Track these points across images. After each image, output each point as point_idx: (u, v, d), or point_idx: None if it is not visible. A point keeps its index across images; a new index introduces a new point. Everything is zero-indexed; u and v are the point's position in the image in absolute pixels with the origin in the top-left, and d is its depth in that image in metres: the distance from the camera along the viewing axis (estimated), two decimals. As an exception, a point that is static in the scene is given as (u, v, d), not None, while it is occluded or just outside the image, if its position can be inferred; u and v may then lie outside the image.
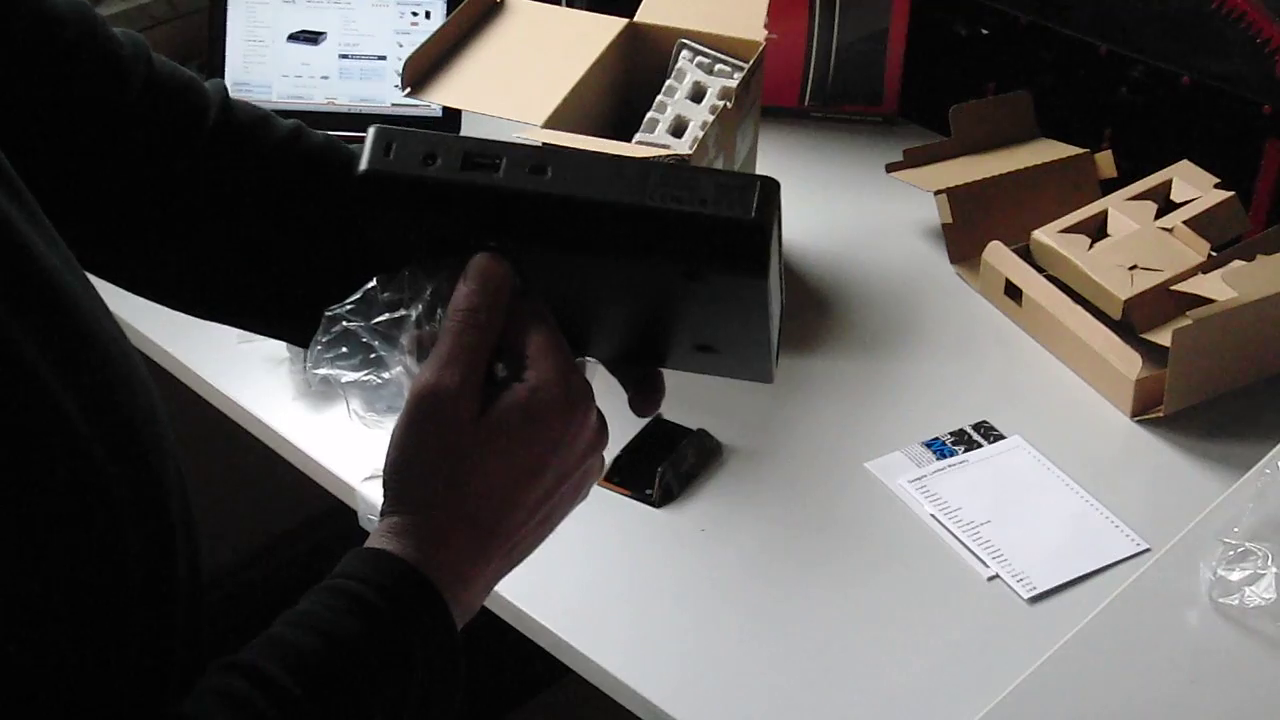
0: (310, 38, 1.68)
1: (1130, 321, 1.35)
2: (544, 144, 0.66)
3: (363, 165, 0.65)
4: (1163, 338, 1.29)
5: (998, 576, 1.17)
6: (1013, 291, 1.44)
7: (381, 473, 0.70)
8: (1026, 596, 1.15)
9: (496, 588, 1.16)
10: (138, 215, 0.82)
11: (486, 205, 0.65)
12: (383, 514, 0.70)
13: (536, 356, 0.70)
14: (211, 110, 0.83)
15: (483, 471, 0.69)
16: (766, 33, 1.44)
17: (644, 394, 0.82)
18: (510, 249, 0.67)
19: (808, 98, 1.76)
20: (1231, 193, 1.44)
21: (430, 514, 0.69)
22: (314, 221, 0.84)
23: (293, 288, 0.85)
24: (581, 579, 1.17)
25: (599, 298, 0.72)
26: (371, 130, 0.66)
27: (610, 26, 1.44)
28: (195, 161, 0.82)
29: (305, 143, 0.85)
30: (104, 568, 0.63)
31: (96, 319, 0.68)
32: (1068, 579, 1.16)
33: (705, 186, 0.63)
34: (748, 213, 0.63)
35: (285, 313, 0.86)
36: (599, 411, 0.74)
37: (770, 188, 0.64)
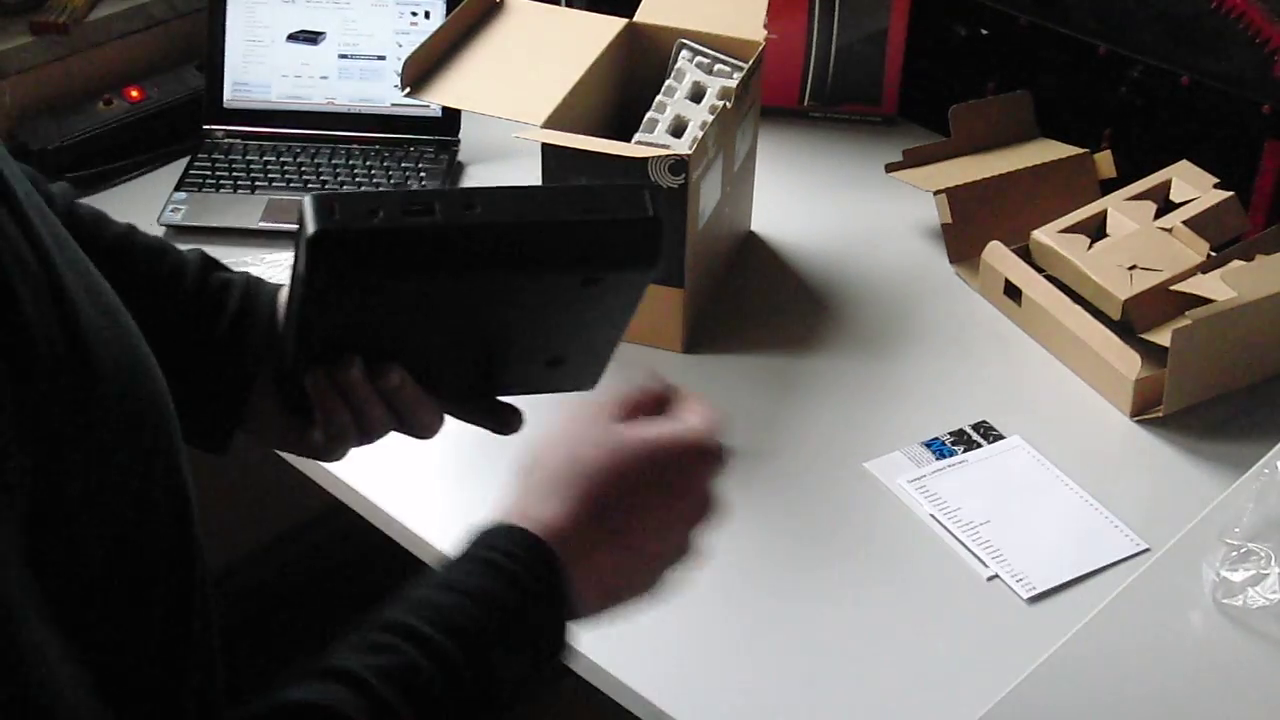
0: (310, 38, 1.68)
1: (1130, 321, 1.35)
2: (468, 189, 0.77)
3: (312, 229, 0.69)
4: (1162, 338, 1.29)
5: (997, 576, 1.17)
6: (1012, 291, 1.44)
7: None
8: (1026, 596, 1.15)
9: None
10: None
11: (432, 242, 0.71)
12: (522, 500, 0.76)
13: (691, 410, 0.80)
14: (57, 204, 0.87)
15: (619, 482, 0.75)
16: (766, 33, 1.44)
17: (505, 415, 0.89)
18: (435, 281, 0.74)
19: (807, 98, 1.76)
20: (1231, 193, 1.44)
21: (568, 508, 0.75)
22: (145, 319, 0.86)
23: None
24: (581, 579, 1.17)
25: (490, 326, 0.79)
26: (307, 199, 0.71)
27: (610, 26, 1.44)
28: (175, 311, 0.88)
29: (140, 239, 0.90)
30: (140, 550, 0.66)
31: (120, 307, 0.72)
32: (1067, 579, 1.16)
33: (607, 197, 0.73)
34: (646, 212, 0.73)
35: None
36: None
37: (656, 191, 0.78)
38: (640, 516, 0.75)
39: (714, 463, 0.78)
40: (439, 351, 0.82)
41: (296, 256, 0.72)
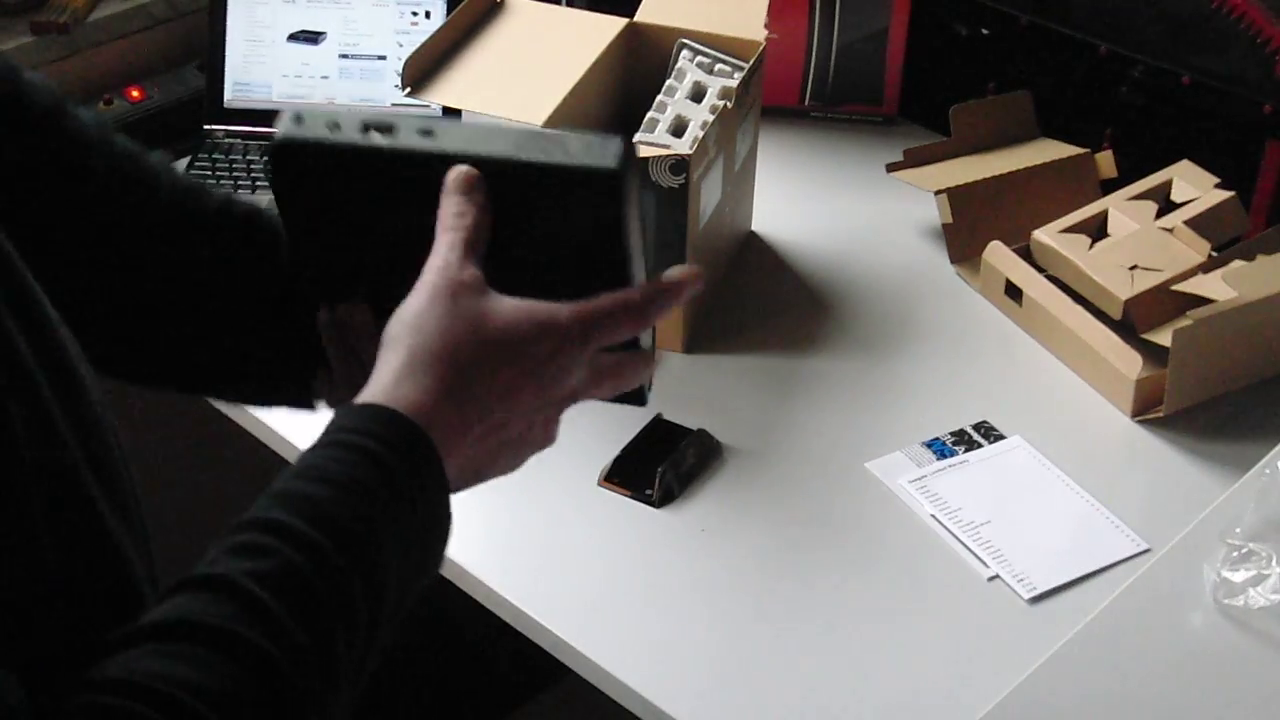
0: (310, 38, 1.68)
1: (1130, 321, 1.35)
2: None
3: (277, 137, 0.72)
4: (1163, 338, 1.29)
5: (998, 577, 1.16)
6: (1013, 291, 1.44)
7: (391, 328, 0.72)
8: (1027, 597, 1.15)
9: (496, 586, 1.17)
10: (86, 280, 0.85)
11: (384, 162, 0.72)
12: (383, 378, 0.71)
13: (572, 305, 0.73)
14: (162, 178, 0.87)
15: (495, 361, 0.71)
16: (766, 33, 1.44)
17: None
18: (393, 210, 0.74)
19: (808, 98, 1.76)
20: (1231, 193, 1.44)
21: (439, 387, 0.70)
22: (241, 285, 0.87)
23: (233, 353, 0.89)
24: (581, 579, 1.17)
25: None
26: (282, 111, 0.73)
27: (610, 26, 1.44)
28: (149, 228, 0.86)
29: (237, 209, 0.89)
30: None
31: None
32: (1068, 579, 1.16)
33: (571, 143, 0.71)
34: (609, 162, 0.71)
35: (230, 376, 0.91)
36: (602, 371, 0.76)
37: (631, 147, 0.72)
38: (507, 397, 0.72)
39: (580, 346, 0.73)
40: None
41: None
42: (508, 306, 0.72)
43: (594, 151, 0.71)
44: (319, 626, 0.63)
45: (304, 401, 0.90)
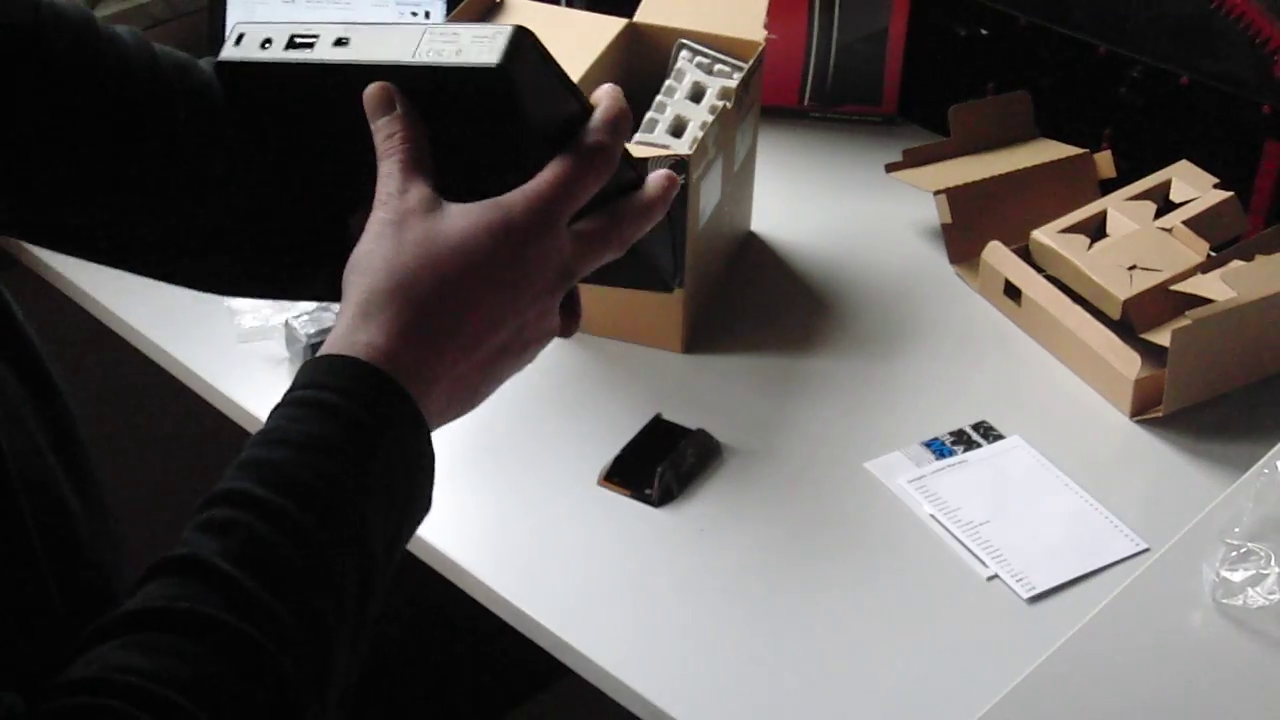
0: (310, 38, 1.68)
1: (1129, 321, 1.35)
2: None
3: (219, 56, 0.74)
4: (1162, 338, 1.29)
5: (997, 576, 1.17)
6: (1012, 291, 1.44)
7: (345, 275, 0.70)
8: (1026, 596, 1.15)
9: (495, 586, 1.17)
10: (158, 196, 0.82)
11: (310, 75, 0.73)
12: (339, 328, 0.69)
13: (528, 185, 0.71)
14: (215, 85, 0.83)
15: (448, 285, 0.68)
16: (766, 33, 1.44)
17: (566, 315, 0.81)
18: (341, 119, 0.74)
19: (807, 98, 1.76)
20: (1231, 193, 1.44)
21: (394, 324, 0.68)
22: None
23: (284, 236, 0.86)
24: (581, 579, 1.17)
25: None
26: (233, 26, 0.74)
27: (610, 26, 1.44)
28: (206, 129, 0.82)
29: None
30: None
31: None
32: (1067, 579, 1.16)
33: (463, 39, 0.71)
34: (495, 58, 0.70)
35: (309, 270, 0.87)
36: (568, 268, 0.73)
37: (520, 36, 0.72)
38: (479, 311, 0.69)
39: (547, 232, 0.70)
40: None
41: None
42: (457, 221, 0.69)
43: (483, 46, 0.70)
44: (297, 595, 0.61)
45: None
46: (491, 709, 2.00)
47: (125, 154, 0.80)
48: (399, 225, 0.69)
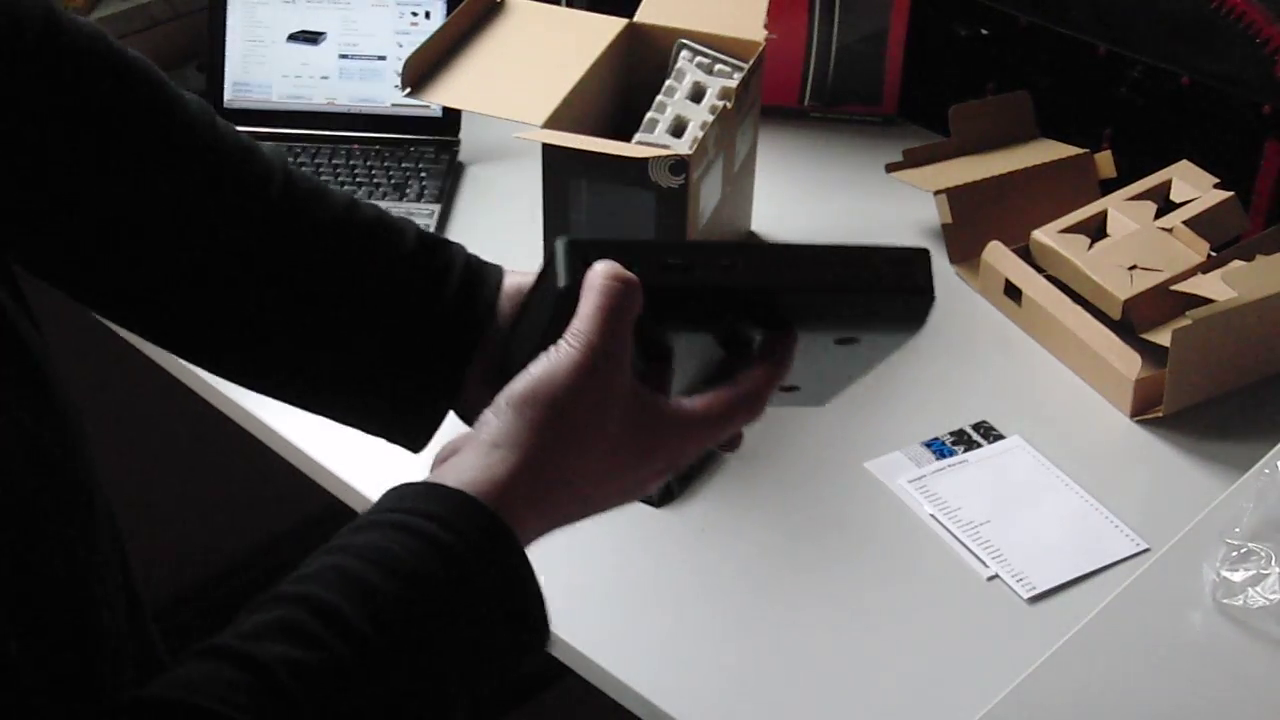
0: (310, 38, 1.68)
1: (1130, 321, 1.35)
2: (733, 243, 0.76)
3: (564, 281, 0.68)
4: (1162, 338, 1.29)
5: (997, 576, 1.17)
6: (1012, 291, 1.44)
7: (506, 395, 0.68)
8: (1026, 596, 1.15)
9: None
10: (192, 277, 0.81)
11: (687, 300, 0.70)
12: (495, 440, 0.67)
13: (715, 399, 0.72)
14: (276, 177, 0.83)
15: (616, 449, 0.69)
16: (766, 33, 1.44)
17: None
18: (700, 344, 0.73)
19: (808, 98, 1.76)
20: (1231, 193, 1.44)
21: (551, 463, 0.67)
22: (365, 297, 0.83)
23: (349, 367, 0.84)
24: (581, 579, 1.17)
25: (736, 367, 0.76)
26: (560, 244, 0.69)
27: (610, 26, 1.44)
28: (256, 228, 0.82)
29: (360, 215, 0.84)
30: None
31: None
32: (1067, 579, 1.16)
33: (879, 264, 0.71)
34: (919, 285, 0.72)
35: (347, 393, 0.85)
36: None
37: (927, 260, 0.73)
38: (600, 468, 0.69)
39: (700, 443, 0.72)
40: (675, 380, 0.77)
41: (546, 286, 0.71)
42: (655, 404, 0.70)
43: (902, 271, 0.71)
44: None
45: (414, 440, 0.84)
46: (491, 709, 2.00)
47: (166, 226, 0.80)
48: (606, 384, 0.68)
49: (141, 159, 0.79)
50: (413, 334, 0.83)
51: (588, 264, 0.68)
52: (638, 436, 0.69)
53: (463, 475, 0.66)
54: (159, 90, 0.81)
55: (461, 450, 0.68)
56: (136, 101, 0.79)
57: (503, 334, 0.83)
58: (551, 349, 0.68)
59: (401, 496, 0.66)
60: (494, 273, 0.85)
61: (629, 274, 0.68)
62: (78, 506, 0.67)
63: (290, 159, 1.64)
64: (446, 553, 0.63)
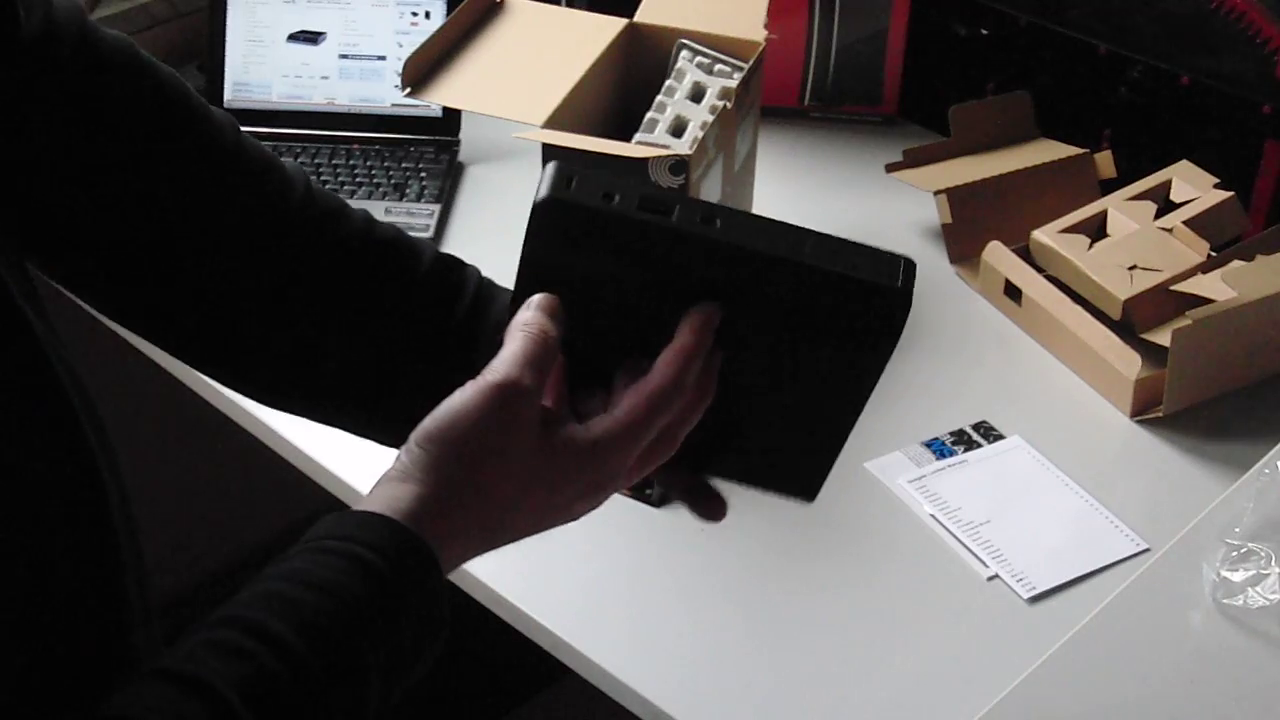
0: (310, 38, 1.68)
1: (1130, 321, 1.35)
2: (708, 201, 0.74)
3: (544, 193, 0.69)
4: (1162, 338, 1.29)
5: (997, 576, 1.17)
6: (1012, 291, 1.44)
7: (416, 433, 0.70)
8: (1026, 596, 1.15)
9: (495, 586, 1.17)
10: (211, 289, 0.82)
11: (660, 244, 0.69)
12: (403, 474, 0.70)
13: (623, 409, 0.71)
14: (297, 192, 0.83)
15: (521, 482, 0.70)
16: (766, 33, 1.44)
17: (710, 501, 0.86)
18: (658, 298, 0.70)
19: (808, 98, 1.76)
20: (1231, 193, 1.44)
21: (454, 496, 0.69)
22: (382, 312, 0.84)
23: (362, 381, 0.85)
24: (581, 579, 1.17)
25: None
26: (551, 165, 0.69)
27: (610, 26, 1.44)
28: (276, 243, 0.82)
29: (378, 233, 0.86)
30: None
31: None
32: (1067, 579, 1.16)
33: (857, 255, 0.69)
34: (895, 281, 0.69)
35: (356, 405, 0.87)
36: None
37: (913, 268, 0.70)
38: (507, 499, 0.71)
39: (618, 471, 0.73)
40: None
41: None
42: (567, 437, 0.70)
43: (880, 266, 0.69)
44: None
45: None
46: (491, 709, 2.00)
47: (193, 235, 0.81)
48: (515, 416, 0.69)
49: (171, 170, 0.80)
50: (425, 349, 0.84)
51: (570, 184, 0.68)
52: (549, 466, 0.70)
53: (370, 506, 0.69)
54: (187, 102, 0.81)
55: (372, 489, 0.71)
56: (167, 114, 0.80)
57: None
58: (460, 389, 0.69)
59: (314, 528, 0.69)
60: (505, 294, 0.86)
61: (552, 327, 0.69)
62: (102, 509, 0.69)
63: (290, 159, 1.65)
64: (356, 561, 0.66)
